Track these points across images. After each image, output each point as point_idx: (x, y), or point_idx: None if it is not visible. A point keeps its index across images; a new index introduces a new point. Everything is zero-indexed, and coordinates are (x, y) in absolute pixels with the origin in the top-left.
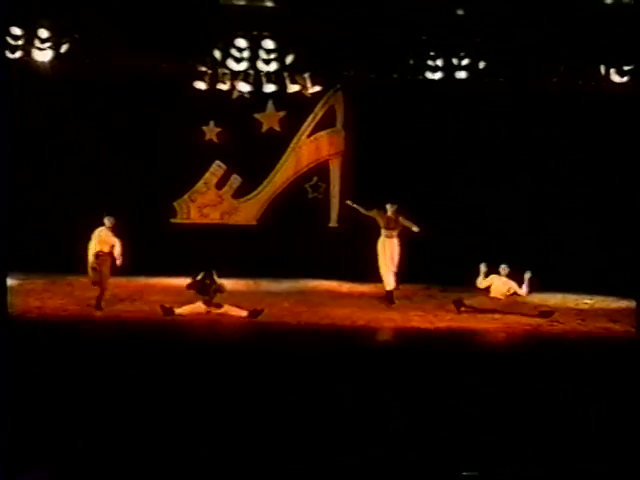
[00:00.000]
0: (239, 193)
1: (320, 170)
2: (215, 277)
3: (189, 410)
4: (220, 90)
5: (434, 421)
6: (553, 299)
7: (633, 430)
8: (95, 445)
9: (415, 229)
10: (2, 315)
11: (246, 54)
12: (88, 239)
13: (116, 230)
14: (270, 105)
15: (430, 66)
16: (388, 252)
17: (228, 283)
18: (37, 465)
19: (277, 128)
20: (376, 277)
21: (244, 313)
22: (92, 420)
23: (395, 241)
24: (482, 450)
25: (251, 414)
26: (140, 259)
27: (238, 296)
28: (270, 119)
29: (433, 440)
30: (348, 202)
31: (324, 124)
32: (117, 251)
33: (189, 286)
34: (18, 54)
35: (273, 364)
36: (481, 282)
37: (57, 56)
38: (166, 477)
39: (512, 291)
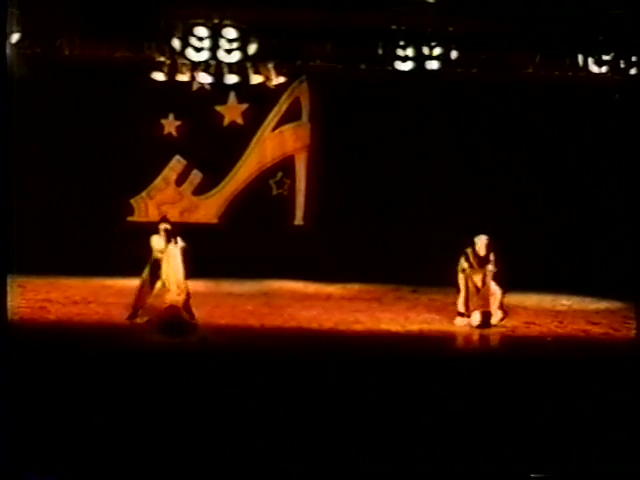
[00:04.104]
0: (200, 190)
1: (285, 165)
2: None
3: (146, 417)
4: (179, 81)
5: (405, 429)
6: (529, 300)
7: (615, 433)
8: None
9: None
10: (2, 319)
11: (207, 43)
12: (39, 237)
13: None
14: (232, 97)
15: (400, 56)
16: None
17: (188, 284)
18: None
19: (240, 121)
20: (343, 277)
21: None
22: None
23: None
24: (456, 459)
25: (211, 421)
26: (96, 259)
27: (198, 298)
28: (232, 112)
29: (403, 448)
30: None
31: (289, 117)
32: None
33: None
34: None
35: (235, 369)
36: None
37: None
38: None
39: None
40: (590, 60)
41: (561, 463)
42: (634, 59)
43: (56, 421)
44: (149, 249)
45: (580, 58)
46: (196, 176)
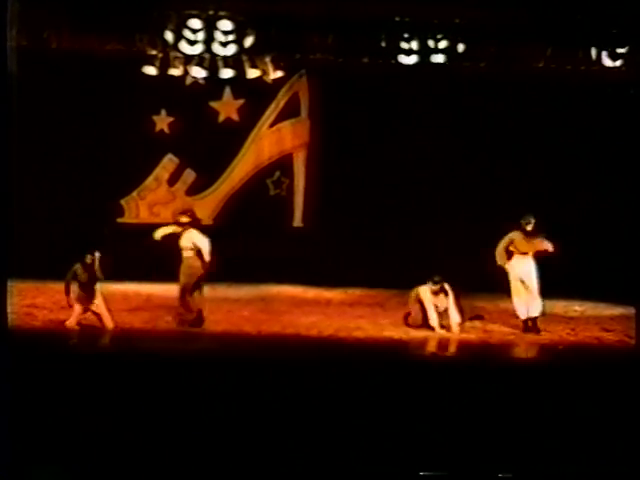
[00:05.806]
0: (193, 190)
1: (283, 164)
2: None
3: (137, 425)
4: (172, 76)
5: (408, 438)
6: None
7: (630, 443)
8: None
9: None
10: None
11: (201, 36)
12: (24, 240)
13: None
14: (227, 92)
15: (404, 49)
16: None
17: None
18: None
19: (235, 118)
20: (344, 282)
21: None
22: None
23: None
24: (462, 466)
25: (203, 432)
26: None
27: None
28: (227, 108)
29: (408, 457)
30: None
31: (287, 113)
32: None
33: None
34: None
35: (231, 378)
36: None
37: None
38: None
39: None
40: (604, 53)
41: (575, 472)
42: None
43: (43, 429)
44: (139, 251)
45: (593, 51)
46: (189, 175)
